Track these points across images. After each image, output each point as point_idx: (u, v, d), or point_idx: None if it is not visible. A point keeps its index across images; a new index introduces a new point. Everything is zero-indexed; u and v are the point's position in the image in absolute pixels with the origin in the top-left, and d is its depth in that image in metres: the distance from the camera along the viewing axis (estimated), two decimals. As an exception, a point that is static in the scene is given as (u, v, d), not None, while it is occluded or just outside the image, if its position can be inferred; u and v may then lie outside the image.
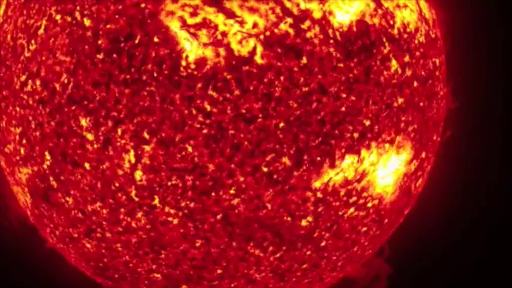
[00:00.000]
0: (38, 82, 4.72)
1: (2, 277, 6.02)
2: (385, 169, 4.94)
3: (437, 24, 5.40)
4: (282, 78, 4.46)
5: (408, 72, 4.91)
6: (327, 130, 4.61)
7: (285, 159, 4.58)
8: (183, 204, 4.66)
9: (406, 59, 4.89)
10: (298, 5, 4.50)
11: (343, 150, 4.70)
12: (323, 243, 5.03)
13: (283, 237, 4.86)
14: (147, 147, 4.54)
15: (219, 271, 5.02)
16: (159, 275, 5.11)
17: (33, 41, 4.76)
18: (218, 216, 4.70)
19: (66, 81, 4.60)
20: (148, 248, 4.92)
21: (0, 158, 5.37)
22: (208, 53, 4.42)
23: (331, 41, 4.55)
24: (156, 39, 4.43)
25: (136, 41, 4.45)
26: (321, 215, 4.85)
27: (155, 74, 4.44)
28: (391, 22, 4.84)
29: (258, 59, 4.43)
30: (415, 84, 4.97)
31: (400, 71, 4.82)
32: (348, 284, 5.74)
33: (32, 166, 4.97)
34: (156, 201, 4.68)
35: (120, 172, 4.64)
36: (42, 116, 4.75)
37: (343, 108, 4.63)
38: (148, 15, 4.45)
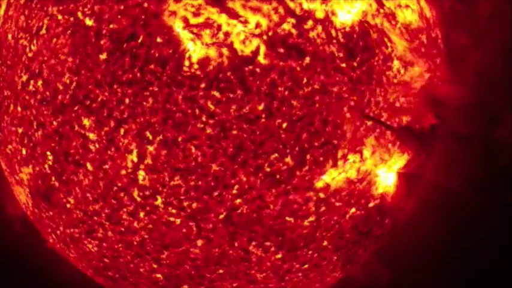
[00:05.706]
0: (40, 82, 4.71)
1: (2, 277, 6.00)
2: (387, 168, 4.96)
3: (437, 24, 5.41)
4: (285, 78, 4.46)
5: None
6: (329, 130, 4.61)
7: (288, 159, 4.58)
8: (185, 204, 4.66)
9: (407, 58, 4.90)
10: (301, 5, 4.49)
11: (346, 150, 4.70)
12: (325, 243, 5.04)
13: (285, 237, 4.86)
14: (150, 147, 4.53)
15: (220, 271, 5.02)
16: (160, 275, 5.11)
17: (35, 41, 4.74)
18: (220, 216, 4.70)
19: (68, 81, 4.59)
20: (150, 248, 4.92)
21: (0, 158, 5.35)
22: (212, 53, 4.41)
23: (334, 41, 4.56)
24: (159, 40, 4.42)
25: (139, 41, 4.44)
26: (323, 215, 4.86)
27: (158, 74, 4.43)
28: (393, 22, 4.84)
29: (261, 59, 4.43)
30: (416, 84, 4.99)
31: (402, 70, 4.83)
32: (348, 284, 5.73)
33: (33, 166, 4.95)
34: (159, 202, 4.67)
35: (123, 172, 4.63)
36: (44, 115, 4.74)
37: (345, 108, 4.63)
38: (151, 15, 4.45)
